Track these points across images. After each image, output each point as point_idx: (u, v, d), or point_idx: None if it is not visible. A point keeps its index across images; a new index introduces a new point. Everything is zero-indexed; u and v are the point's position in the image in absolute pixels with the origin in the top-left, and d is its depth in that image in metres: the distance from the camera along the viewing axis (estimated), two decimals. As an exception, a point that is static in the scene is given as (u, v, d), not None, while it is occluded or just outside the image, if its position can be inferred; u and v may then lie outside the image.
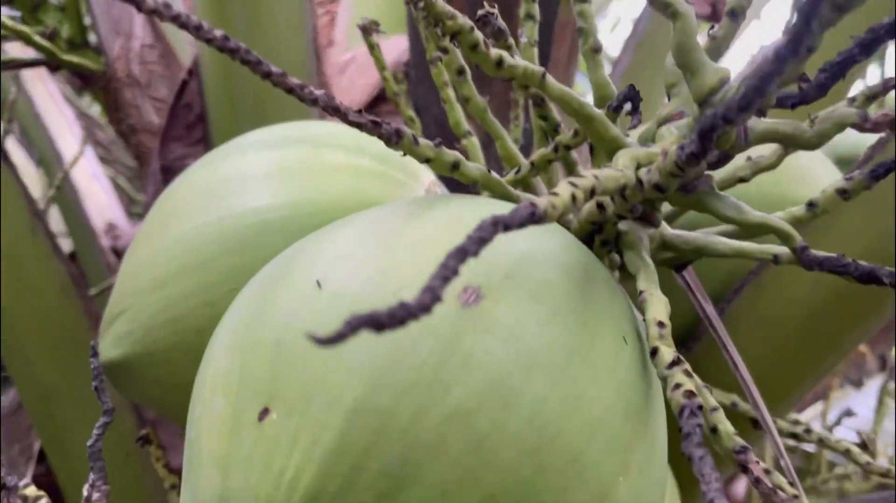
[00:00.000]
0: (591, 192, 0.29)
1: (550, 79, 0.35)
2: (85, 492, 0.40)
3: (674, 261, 0.47)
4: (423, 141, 0.34)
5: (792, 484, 0.42)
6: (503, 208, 0.35)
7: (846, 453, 0.47)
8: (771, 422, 0.45)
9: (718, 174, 0.44)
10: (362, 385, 0.26)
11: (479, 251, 0.23)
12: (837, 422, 0.88)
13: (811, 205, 0.42)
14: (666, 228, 0.43)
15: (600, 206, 0.36)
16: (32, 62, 0.84)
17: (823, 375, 0.52)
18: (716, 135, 0.26)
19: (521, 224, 0.25)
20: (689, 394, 0.28)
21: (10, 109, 0.97)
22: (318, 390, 0.27)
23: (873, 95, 0.36)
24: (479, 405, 0.26)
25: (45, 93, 1.19)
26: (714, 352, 0.52)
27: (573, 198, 0.28)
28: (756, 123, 0.35)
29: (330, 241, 0.32)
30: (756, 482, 0.34)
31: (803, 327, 0.49)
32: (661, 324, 0.32)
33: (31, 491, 0.45)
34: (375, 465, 0.26)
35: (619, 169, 0.31)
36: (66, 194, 1.05)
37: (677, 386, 0.29)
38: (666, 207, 0.47)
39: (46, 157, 1.14)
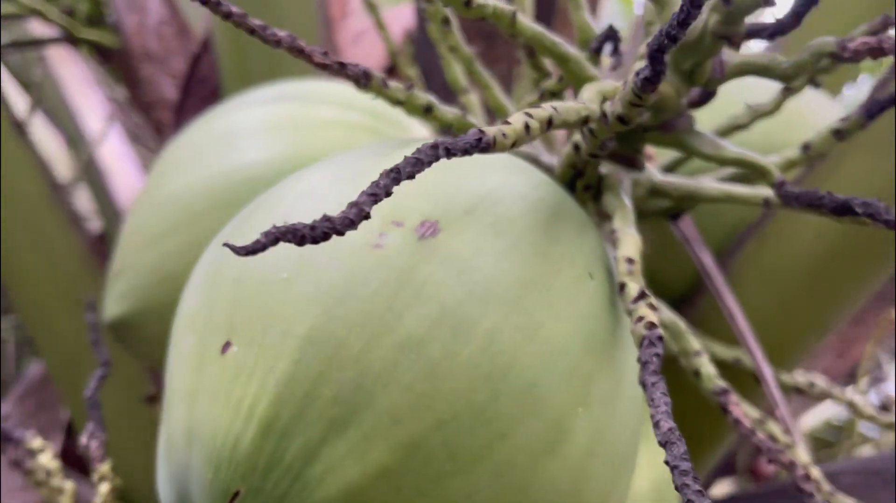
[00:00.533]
0: (549, 123, 0.28)
1: (521, 19, 0.34)
2: (84, 440, 0.41)
3: (669, 210, 0.47)
4: (393, 83, 0.34)
5: (787, 432, 0.41)
6: None
7: (850, 405, 0.46)
8: (767, 371, 0.44)
9: (717, 122, 0.43)
10: (316, 315, 0.26)
11: (415, 173, 0.23)
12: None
13: (805, 147, 0.41)
14: (655, 174, 0.42)
15: (577, 147, 0.35)
16: (52, 40, 0.86)
17: (830, 329, 0.51)
18: (665, 55, 0.25)
19: (466, 150, 0.25)
20: (650, 326, 0.28)
21: (36, 90, 0.99)
22: (274, 321, 0.27)
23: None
24: (430, 333, 0.26)
25: (73, 75, 1.21)
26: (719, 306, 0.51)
27: (527, 127, 0.27)
28: (731, 56, 0.34)
29: (298, 181, 0.32)
30: (736, 423, 0.34)
31: (807, 278, 0.48)
32: (629, 261, 0.31)
33: (38, 444, 0.46)
34: (328, 392, 0.26)
35: (582, 101, 0.30)
36: (94, 174, 1.07)
37: (640, 318, 0.28)
38: (667, 158, 0.46)
39: (74, 137, 1.17)
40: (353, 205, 0.20)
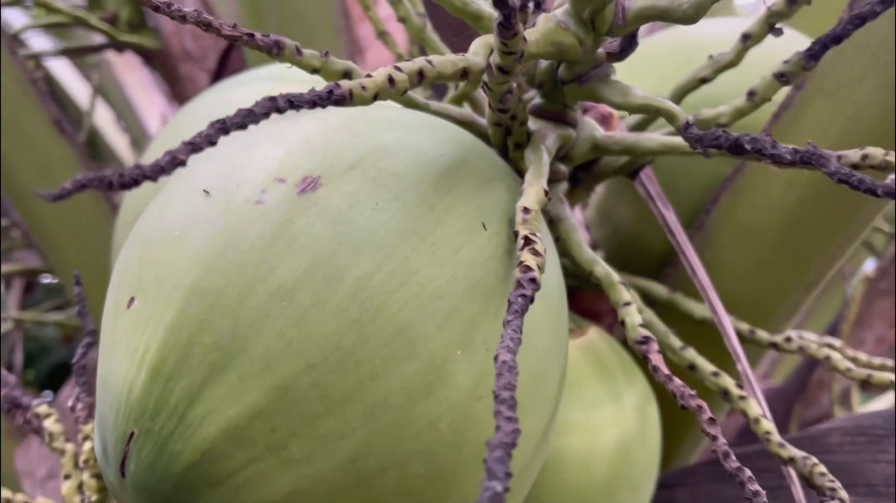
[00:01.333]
0: (420, 75, 0.29)
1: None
2: (69, 403, 0.45)
3: (627, 167, 0.47)
4: (307, 51, 0.36)
5: (740, 386, 0.40)
6: (395, 112, 0.36)
7: (826, 360, 0.45)
8: (728, 324, 0.43)
9: (680, 77, 0.42)
10: (199, 267, 0.28)
11: (246, 124, 0.24)
12: None
13: (751, 94, 0.40)
14: (597, 130, 0.42)
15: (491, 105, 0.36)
16: (98, 47, 0.92)
17: (814, 283, 0.49)
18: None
19: (313, 102, 0.26)
20: (525, 269, 0.28)
21: (95, 95, 1.06)
22: (167, 275, 0.29)
23: None
24: (301, 282, 0.28)
25: (136, 80, 1.28)
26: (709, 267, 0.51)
27: (391, 80, 0.28)
28: (632, 2, 0.34)
29: (222, 144, 0.34)
30: (654, 370, 0.34)
31: (782, 233, 0.47)
32: (525, 210, 0.32)
33: (44, 409, 0.50)
34: (208, 339, 0.28)
35: (462, 54, 0.31)
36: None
37: (521, 263, 0.29)
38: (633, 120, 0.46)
39: (139, 139, 1.24)
40: (168, 153, 0.22)
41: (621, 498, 0.45)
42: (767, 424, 0.39)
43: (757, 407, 0.40)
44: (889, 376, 0.42)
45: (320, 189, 0.29)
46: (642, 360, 0.38)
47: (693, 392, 0.33)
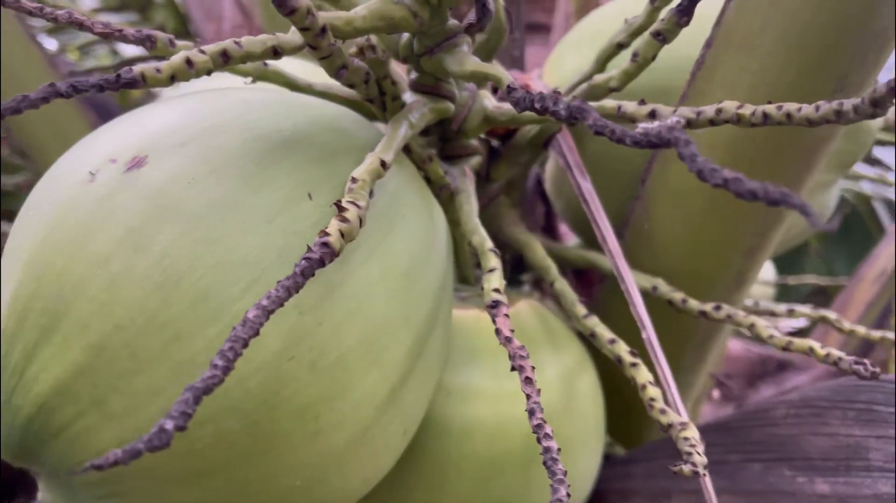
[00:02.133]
0: (225, 56, 0.31)
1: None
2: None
3: (538, 138, 0.47)
4: (181, 42, 0.38)
5: (634, 354, 0.40)
6: (252, 93, 0.38)
7: (750, 328, 0.43)
8: (633, 286, 0.43)
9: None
10: (36, 242, 0.32)
11: (22, 108, 0.27)
12: None
13: (634, 55, 0.39)
14: (488, 103, 0.42)
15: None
16: (144, 58, 0.99)
17: (755, 252, 0.47)
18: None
19: (100, 87, 0.28)
20: (322, 234, 0.30)
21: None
22: (16, 251, 0.32)
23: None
24: (114, 251, 0.30)
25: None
26: (645, 238, 0.50)
27: (188, 62, 0.30)
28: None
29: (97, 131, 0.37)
30: (497, 332, 0.34)
31: (707, 197, 0.45)
32: (353, 180, 0.33)
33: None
34: (39, 304, 0.31)
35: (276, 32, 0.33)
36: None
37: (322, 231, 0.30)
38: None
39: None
40: None
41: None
42: (653, 391, 0.38)
43: (646, 374, 0.39)
44: (805, 343, 0.40)
45: (144, 167, 0.32)
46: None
47: (525, 353, 0.33)
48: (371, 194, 0.34)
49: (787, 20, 0.39)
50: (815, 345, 0.40)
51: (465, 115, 0.41)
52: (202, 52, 0.31)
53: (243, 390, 0.31)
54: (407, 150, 0.41)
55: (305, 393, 0.32)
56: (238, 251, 0.31)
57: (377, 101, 0.39)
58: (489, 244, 0.38)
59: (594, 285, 0.61)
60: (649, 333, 0.41)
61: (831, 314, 0.58)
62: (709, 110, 0.33)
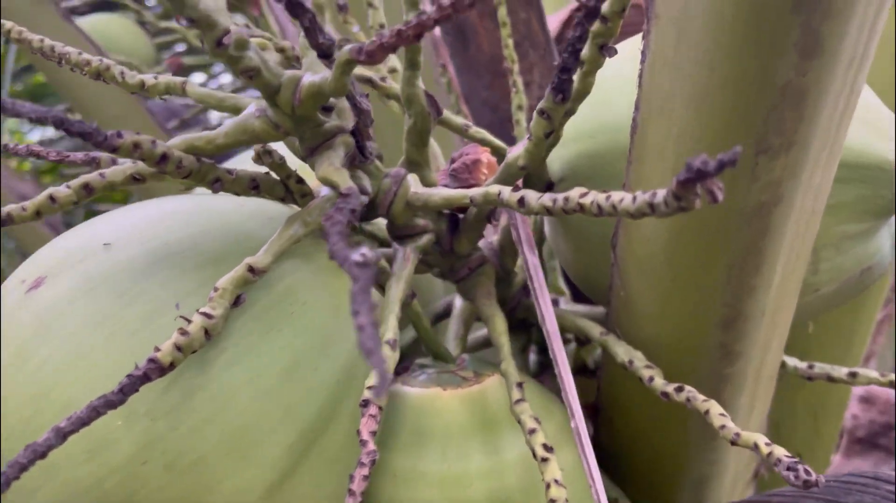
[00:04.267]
0: (87, 189, 0.34)
1: (191, 85, 0.39)
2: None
3: (480, 215, 0.46)
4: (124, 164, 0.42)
5: (548, 448, 0.38)
6: (174, 203, 0.41)
7: (705, 414, 0.39)
8: (565, 368, 0.40)
9: None
10: None
11: None
12: None
13: (529, 135, 0.38)
14: (411, 186, 0.42)
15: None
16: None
17: (733, 323, 0.41)
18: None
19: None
20: (156, 349, 0.32)
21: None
22: None
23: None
24: (5, 366, 0.35)
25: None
26: (626, 306, 0.47)
27: (52, 198, 0.34)
28: (303, 86, 0.35)
29: None
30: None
31: (667, 263, 0.41)
32: (215, 289, 0.35)
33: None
34: None
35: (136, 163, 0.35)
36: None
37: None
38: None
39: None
40: None
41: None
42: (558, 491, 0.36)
43: (554, 471, 0.37)
44: (750, 438, 0.36)
45: (41, 287, 0.36)
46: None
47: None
48: (238, 300, 0.36)
49: (689, 83, 0.35)
50: (762, 440, 0.36)
51: (389, 202, 0.42)
52: (68, 186, 0.34)
53: (101, 491, 0.34)
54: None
55: (164, 493, 0.34)
56: (101, 365, 0.34)
57: (289, 200, 0.41)
58: (390, 335, 0.38)
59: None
60: (577, 422, 0.39)
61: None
62: (546, 198, 0.31)
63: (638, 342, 0.46)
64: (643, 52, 0.37)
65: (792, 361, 0.53)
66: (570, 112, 0.43)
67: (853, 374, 0.52)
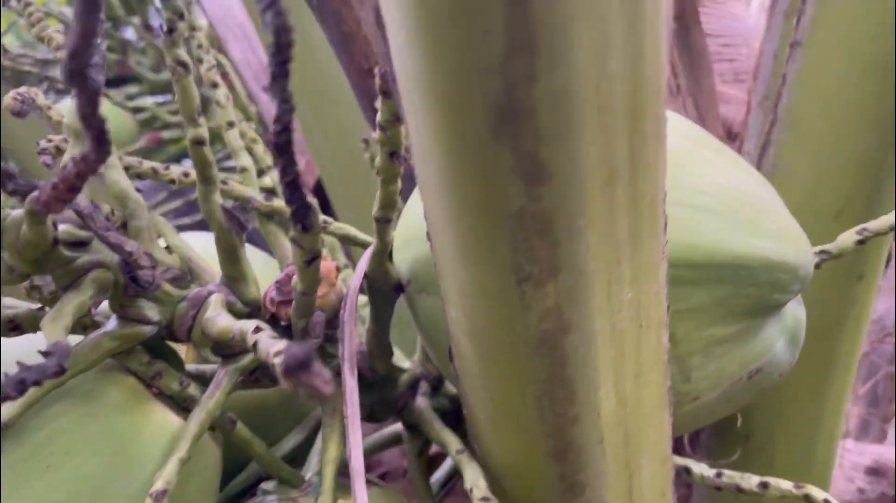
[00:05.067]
0: None
1: None
2: None
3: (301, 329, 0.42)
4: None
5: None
6: None
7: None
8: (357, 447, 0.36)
9: None
10: None
11: None
12: None
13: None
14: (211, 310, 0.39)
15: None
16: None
17: (564, 458, 0.36)
18: None
19: None
20: None
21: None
22: None
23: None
24: None
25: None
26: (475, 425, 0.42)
27: None
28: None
29: None
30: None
31: (483, 378, 0.37)
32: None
33: None
34: None
35: None
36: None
37: None
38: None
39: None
40: None
41: None
42: None
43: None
44: None
45: None
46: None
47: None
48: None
49: (440, 208, 0.31)
50: None
51: (188, 327, 0.39)
52: None
53: None
54: (133, 371, 0.39)
55: None
56: None
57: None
58: (160, 485, 0.35)
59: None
60: (349, 394, 0.35)
61: (817, 494, 0.44)
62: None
63: (490, 464, 0.41)
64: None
65: (699, 468, 0.47)
66: (386, 220, 0.39)
67: (764, 485, 0.46)
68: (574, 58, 0.24)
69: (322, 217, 0.49)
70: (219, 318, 0.37)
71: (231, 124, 0.48)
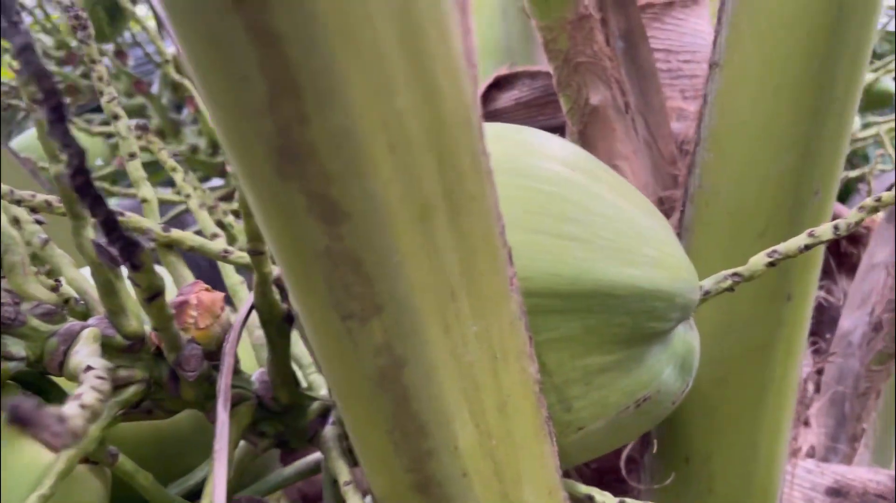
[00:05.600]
0: None
1: None
2: None
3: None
4: None
5: None
6: None
7: None
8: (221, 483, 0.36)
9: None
10: None
11: None
12: None
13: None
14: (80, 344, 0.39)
15: None
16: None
17: (400, 470, 0.36)
18: None
19: None
20: None
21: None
22: None
23: None
24: None
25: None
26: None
27: None
28: None
29: None
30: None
31: (344, 408, 0.36)
32: None
33: None
34: None
35: None
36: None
37: None
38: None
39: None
40: None
41: None
42: None
43: None
44: None
45: None
46: None
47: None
48: None
49: (273, 243, 0.31)
50: None
51: (59, 363, 0.39)
52: None
53: None
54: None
55: None
56: None
57: None
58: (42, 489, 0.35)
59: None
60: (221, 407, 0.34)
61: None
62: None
63: (374, 495, 0.41)
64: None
65: (602, 497, 0.47)
66: (258, 252, 0.39)
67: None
68: (348, 98, 0.24)
69: (223, 247, 0.49)
70: (77, 355, 0.37)
71: (133, 155, 0.48)
